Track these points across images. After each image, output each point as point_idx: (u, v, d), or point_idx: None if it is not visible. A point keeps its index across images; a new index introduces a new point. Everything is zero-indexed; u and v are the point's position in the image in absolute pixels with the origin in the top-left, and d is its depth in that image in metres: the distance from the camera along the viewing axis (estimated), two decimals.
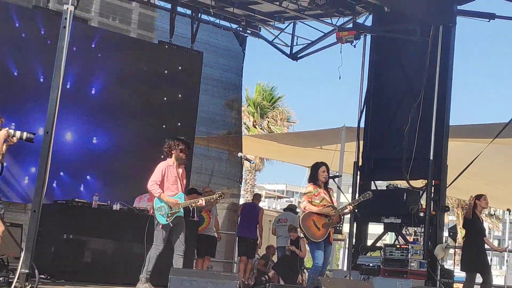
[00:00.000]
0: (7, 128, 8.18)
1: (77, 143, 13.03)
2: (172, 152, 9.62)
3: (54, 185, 12.49)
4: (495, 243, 15.94)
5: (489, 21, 13.72)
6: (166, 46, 14.33)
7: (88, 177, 13.14)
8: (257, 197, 15.53)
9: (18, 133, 8.22)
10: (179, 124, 14.03)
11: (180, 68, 14.32)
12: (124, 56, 13.74)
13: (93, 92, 13.28)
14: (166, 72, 14.15)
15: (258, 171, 31.98)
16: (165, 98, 14.14)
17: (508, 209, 12.96)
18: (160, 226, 9.36)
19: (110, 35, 13.76)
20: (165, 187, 9.45)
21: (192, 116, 14.48)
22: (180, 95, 14.34)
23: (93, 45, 13.34)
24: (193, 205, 10.05)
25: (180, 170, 9.67)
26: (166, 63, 14.21)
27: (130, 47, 13.96)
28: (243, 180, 29.42)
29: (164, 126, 13.98)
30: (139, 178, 13.16)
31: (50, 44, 11.64)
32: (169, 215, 9.36)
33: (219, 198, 10.09)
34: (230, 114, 16.33)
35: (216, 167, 15.50)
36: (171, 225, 9.37)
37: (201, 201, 9.78)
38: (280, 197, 70.32)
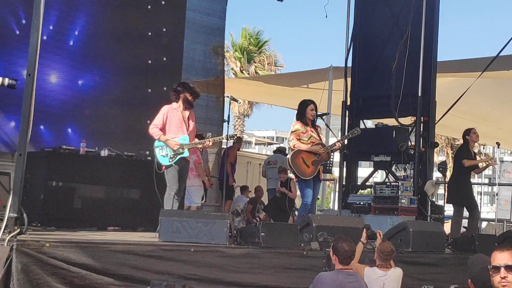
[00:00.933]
0: None
1: (62, 86, 12.80)
2: (180, 95, 9.51)
3: (42, 127, 12.36)
4: (486, 181, 16.00)
5: None
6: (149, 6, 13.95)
7: (69, 130, 12.97)
8: (238, 141, 15.44)
9: None
10: (164, 88, 13.66)
11: (164, 29, 13.94)
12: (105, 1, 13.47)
13: (76, 34, 12.99)
14: (149, 33, 13.82)
15: (247, 117, 31.95)
16: (149, 33, 13.84)
17: (497, 143, 12.96)
18: (163, 167, 9.31)
19: None
20: (167, 130, 9.40)
21: (178, 57, 14.21)
22: (164, 39, 14.04)
23: None
24: (200, 146, 9.89)
25: (187, 113, 9.58)
26: (149, 3, 13.89)
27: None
28: (232, 126, 29.35)
29: (149, 90, 13.76)
30: (127, 124, 13.23)
31: None
32: (172, 156, 9.31)
33: (233, 138, 9.99)
34: (215, 61, 16.10)
35: (197, 113, 15.33)
36: (177, 167, 9.31)
37: (208, 142, 9.69)
38: (270, 144, 70.44)
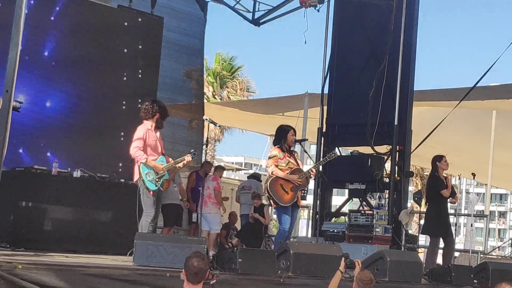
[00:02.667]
0: None
1: (32, 105, 12.50)
2: (156, 114, 9.31)
3: (21, 151, 12.10)
4: (452, 211, 16.06)
5: None
6: (126, 15, 13.76)
7: (48, 154, 12.68)
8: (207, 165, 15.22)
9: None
10: (139, 100, 13.50)
11: (140, 46, 13.75)
12: (82, 25, 13.22)
13: (53, 64, 12.78)
14: (125, 50, 13.62)
15: (218, 141, 31.84)
16: (125, 74, 13.64)
17: (472, 174, 12.97)
18: (151, 192, 9.06)
19: (69, 3, 13.20)
20: (147, 152, 9.15)
21: (153, 88, 14.03)
22: (140, 75, 13.80)
23: (52, 18, 12.81)
24: (176, 166, 9.61)
25: (158, 133, 9.39)
26: (125, 28, 13.74)
27: (87, 13, 13.41)
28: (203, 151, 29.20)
29: (124, 102, 13.52)
30: (98, 145, 12.99)
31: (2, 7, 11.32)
32: (157, 180, 9.08)
33: (193, 157, 9.74)
34: (188, 85, 16.04)
35: (178, 135, 15.24)
36: (162, 189, 9.17)
37: (188, 158, 9.40)
38: (238, 169, 70.32)
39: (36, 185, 10.30)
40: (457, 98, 13.61)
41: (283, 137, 10.28)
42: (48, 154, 12.45)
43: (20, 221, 9.95)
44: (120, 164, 12.62)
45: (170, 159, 9.51)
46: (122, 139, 12.84)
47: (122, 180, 11.33)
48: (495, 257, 19.41)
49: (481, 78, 13.12)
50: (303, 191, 10.69)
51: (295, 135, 10.47)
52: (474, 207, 20.88)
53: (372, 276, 7.71)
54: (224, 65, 31.71)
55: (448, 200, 12.21)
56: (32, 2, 12.02)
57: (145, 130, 9.20)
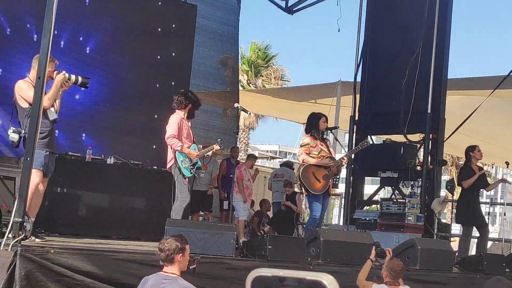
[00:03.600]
0: (64, 71, 7.93)
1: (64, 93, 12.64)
2: (189, 104, 9.46)
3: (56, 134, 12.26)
4: (487, 200, 16.01)
5: None
6: (159, 3, 13.89)
7: (83, 135, 12.86)
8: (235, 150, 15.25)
9: (73, 77, 7.97)
10: (172, 83, 13.67)
11: (173, 25, 13.94)
12: (118, 13, 13.37)
13: (87, 50, 12.93)
14: (159, 29, 13.78)
15: (252, 129, 31.91)
16: (158, 57, 13.78)
17: (506, 162, 12.85)
18: (187, 179, 9.26)
19: None
20: (182, 140, 9.32)
21: (186, 74, 14.15)
22: (173, 53, 13.98)
23: (86, 2, 12.96)
24: (209, 153, 9.87)
25: (189, 123, 9.59)
26: (159, 19, 13.86)
27: (123, 1, 13.57)
28: (238, 139, 29.28)
29: (157, 85, 13.66)
30: (133, 133, 13.13)
31: None
32: (191, 167, 9.27)
33: (221, 146, 9.87)
34: (223, 73, 16.11)
35: (212, 122, 15.33)
36: (196, 176, 9.44)
37: (216, 147, 9.61)
38: (273, 158, 70.28)
39: (70, 171, 10.43)
40: (491, 87, 13.47)
41: (315, 125, 10.28)
42: (83, 136, 12.60)
43: (54, 206, 10.08)
44: (154, 147, 12.73)
45: (200, 147, 9.68)
46: (156, 118, 12.98)
47: (155, 167, 11.43)
48: None
49: None
50: (334, 179, 10.70)
51: (327, 122, 10.46)
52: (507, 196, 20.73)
53: (403, 265, 7.72)
54: (259, 54, 31.76)
55: (482, 190, 12.17)
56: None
57: (179, 118, 9.34)
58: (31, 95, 7.20)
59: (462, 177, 11.91)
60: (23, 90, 7.73)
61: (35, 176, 7.61)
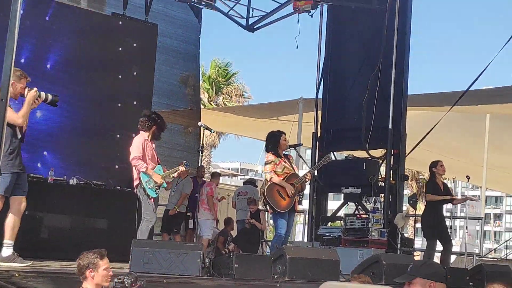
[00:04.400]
0: (35, 88, 7.82)
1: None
2: (153, 126, 9.47)
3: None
4: (447, 214, 16.25)
5: None
6: (120, 22, 13.83)
7: (45, 153, 12.73)
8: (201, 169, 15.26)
9: (43, 95, 7.87)
10: (134, 102, 13.59)
11: (134, 44, 13.88)
12: (79, 30, 13.30)
13: (48, 67, 12.82)
14: (120, 48, 13.69)
15: (214, 147, 31.87)
16: (120, 76, 13.69)
17: (467, 176, 13.03)
18: (152, 200, 9.29)
19: (63, 8, 13.29)
20: (146, 161, 9.39)
21: (148, 92, 14.07)
22: (135, 72, 13.90)
23: (47, 18, 12.88)
24: (174, 174, 9.97)
25: (153, 144, 9.66)
26: (120, 38, 13.80)
27: (82, 20, 13.50)
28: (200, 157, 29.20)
29: (119, 104, 13.57)
30: (95, 152, 13.01)
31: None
32: (156, 188, 9.33)
33: (187, 167, 9.91)
34: (184, 91, 16.11)
35: (175, 141, 15.28)
36: (158, 197, 9.47)
37: (181, 168, 9.68)
38: (234, 175, 70.34)
39: (32, 193, 10.26)
40: (451, 102, 13.66)
41: (276, 143, 10.33)
42: (45, 153, 12.46)
43: None
44: (116, 167, 12.64)
45: (166, 169, 9.71)
46: (118, 137, 12.93)
47: (118, 187, 11.37)
48: (491, 259, 19.44)
49: (473, 83, 13.20)
50: (299, 196, 10.73)
51: (287, 140, 10.53)
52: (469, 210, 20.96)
53: (369, 280, 7.73)
54: (219, 72, 31.79)
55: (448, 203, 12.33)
56: (23, 5, 12.05)
57: (143, 140, 9.44)
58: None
59: (428, 191, 12.03)
60: None
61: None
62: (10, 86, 7.07)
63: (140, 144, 9.35)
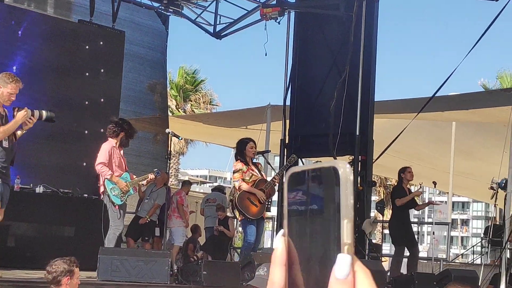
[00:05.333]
0: (25, 108, 7.69)
1: None
2: (120, 133, 9.41)
3: None
4: (415, 220, 16.37)
5: None
6: (87, 29, 13.73)
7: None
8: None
9: (36, 113, 7.73)
10: (102, 100, 13.48)
11: (101, 51, 13.77)
12: (44, 36, 13.21)
13: (14, 69, 12.70)
14: (87, 55, 13.59)
15: (182, 154, 31.82)
16: (87, 74, 13.61)
17: (433, 182, 13.13)
18: (117, 207, 9.20)
19: (29, 14, 13.20)
20: (112, 168, 9.33)
21: (115, 100, 13.99)
22: (102, 79, 13.83)
23: (12, 22, 12.78)
24: (143, 182, 9.87)
25: (121, 151, 9.57)
26: (87, 45, 13.72)
27: (49, 26, 13.42)
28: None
29: (86, 102, 13.46)
30: (62, 159, 12.91)
31: None
32: (122, 195, 9.23)
33: (157, 175, 9.91)
34: (152, 98, 16.09)
35: (143, 148, 15.24)
36: (126, 204, 9.37)
37: (151, 176, 9.63)
38: (203, 182, 70.15)
39: None
40: (418, 109, 13.76)
41: (243, 151, 10.35)
42: None
43: None
44: (84, 164, 12.54)
45: (134, 176, 9.66)
46: (86, 133, 12.82)
47: (86, 195, 11.30)
48: (458, 264, 19.61)
49: (438, 89, 13.27)
50: (267, 203, 10.76)
51: (256, 147, 10.55)
52: (436, 215, 21.12)
53: None
54: (187, 79, 31.76)
55: (414, 208, 12.43)
56: None
57: (110, 147, 9.39)
58: None
59: (395, 196, 12.15)
60: None
61: None
62: None
63: (106, 151, 9.30)
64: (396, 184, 12.58)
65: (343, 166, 0.94)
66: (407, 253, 12.08)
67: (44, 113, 7.85)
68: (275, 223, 14.94)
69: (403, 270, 12.38)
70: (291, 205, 0.97)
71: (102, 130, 12.68)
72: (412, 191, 12.64)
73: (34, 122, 7.79)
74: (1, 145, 7.65)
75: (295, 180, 0.96)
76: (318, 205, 0.94)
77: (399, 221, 12.06)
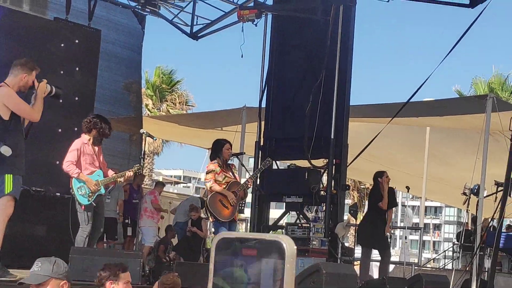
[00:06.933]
0: (45, 80, 7.49)
1: None
2: (93, 130, 9.20)
3: None
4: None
5: (388, 1, 13.88)
6: (62, 27, 13.63)
7: None
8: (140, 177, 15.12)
9: (48, 87, 7.55)
10: (76, 98, 13.34)
11: (77, 50, 13.67)
12: (19, 33, 13.10)
13: None
14: (63, 54, 13.47)
15: (157, 154, 31.74)
16: (61, 72, 13.49)
17: (407, 187, 13.19)
18: (83, 207, 8.92)
19: (3, 11, 13.10)
20: (82, 166, 9.03)
21: (90, 99, 13.88)
22: (77, 78, 13.71)
23: None
24: (120, 179, 9.58)
25: (96, 148, 9.28)
26: (62, 44, 13.61)
27: (24, 23, 13.30)
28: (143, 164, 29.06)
29: (60, 100, 13.31)
30: (35, 158, 12.80)
31: None
32: (90, 194, 8.94)
33: (138, 172, 9.72)
34: (128, 98, 16.02)
35: (118, 148, 15.16)
36: (94, 205, 8.99)
37: (129, 173, 9.40)
38: (177, 183, 70.01)
39: None
40: (392, 113, 13.82)
41: (219, 152, 10.32)
42: None
43: None
44: (57, 162, 12.42)
45: (113, 172, 9.43)
46: (60, 131, 12.73)
47: (58, 194, 11.20)
48: (430, 269, 19.74)
49: (413, 94, 13.34)
50: (241, 204, 10.74)
51: (231, 149, 10.52)
52: (411, 220, 21.26)
53: (177, 280, 7.41)
54: (163, 79, 31.70)
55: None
56: None
57: (81, 143, 9.13)
58: (22, 107, 6.90)
59: (377, 200, 12.17)
60: (9, 98, 7.29)
61: (9, 206, 7.31)
62: (21, 80, 6.91)
63: (76, 148, 9.03)
64: (373, 187, 12.61)
65: (288, 242, 0.93)
66: (378, 256, 12.13)
67: (54, 88, 7.70)
68: (248, 225, 14.92)
69: (375, 274, 12.43)
70: (218, 269, 0.95)
71: (76, 129, 12.61)
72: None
73: (45, 96, 7.61)
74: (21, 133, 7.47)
75: (224, 245, 0.94)
76: (253, 277, 0.91)
77: (372, 223, 12.11)
